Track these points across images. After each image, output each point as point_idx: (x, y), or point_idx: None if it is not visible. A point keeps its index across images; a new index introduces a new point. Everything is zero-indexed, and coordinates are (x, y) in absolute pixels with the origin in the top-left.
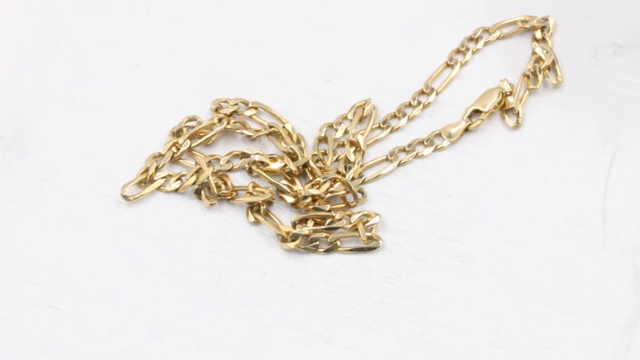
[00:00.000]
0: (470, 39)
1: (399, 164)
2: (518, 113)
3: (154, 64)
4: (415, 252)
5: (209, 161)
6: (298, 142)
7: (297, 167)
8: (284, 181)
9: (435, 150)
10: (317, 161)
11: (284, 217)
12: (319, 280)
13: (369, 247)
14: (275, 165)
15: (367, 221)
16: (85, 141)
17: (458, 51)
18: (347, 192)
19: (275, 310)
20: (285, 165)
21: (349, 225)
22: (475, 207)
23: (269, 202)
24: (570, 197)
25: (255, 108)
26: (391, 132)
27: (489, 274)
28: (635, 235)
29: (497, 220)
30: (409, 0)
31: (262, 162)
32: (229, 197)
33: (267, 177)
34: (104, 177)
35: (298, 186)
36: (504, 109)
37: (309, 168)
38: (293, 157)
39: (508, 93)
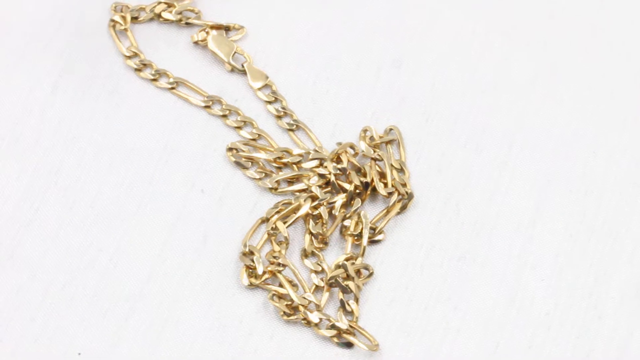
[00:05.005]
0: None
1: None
2: (232, 26)
3: None
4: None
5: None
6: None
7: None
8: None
9: None
10: (309, 180)
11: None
12: (442, 200)
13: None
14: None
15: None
16: None
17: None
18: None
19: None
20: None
21: (391, 164)
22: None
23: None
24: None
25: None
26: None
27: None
28: None
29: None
30: None
31: (318, 218)
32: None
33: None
34: None
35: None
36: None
37: (315, 187)
38: (312, 197)
39: (207, 30)
